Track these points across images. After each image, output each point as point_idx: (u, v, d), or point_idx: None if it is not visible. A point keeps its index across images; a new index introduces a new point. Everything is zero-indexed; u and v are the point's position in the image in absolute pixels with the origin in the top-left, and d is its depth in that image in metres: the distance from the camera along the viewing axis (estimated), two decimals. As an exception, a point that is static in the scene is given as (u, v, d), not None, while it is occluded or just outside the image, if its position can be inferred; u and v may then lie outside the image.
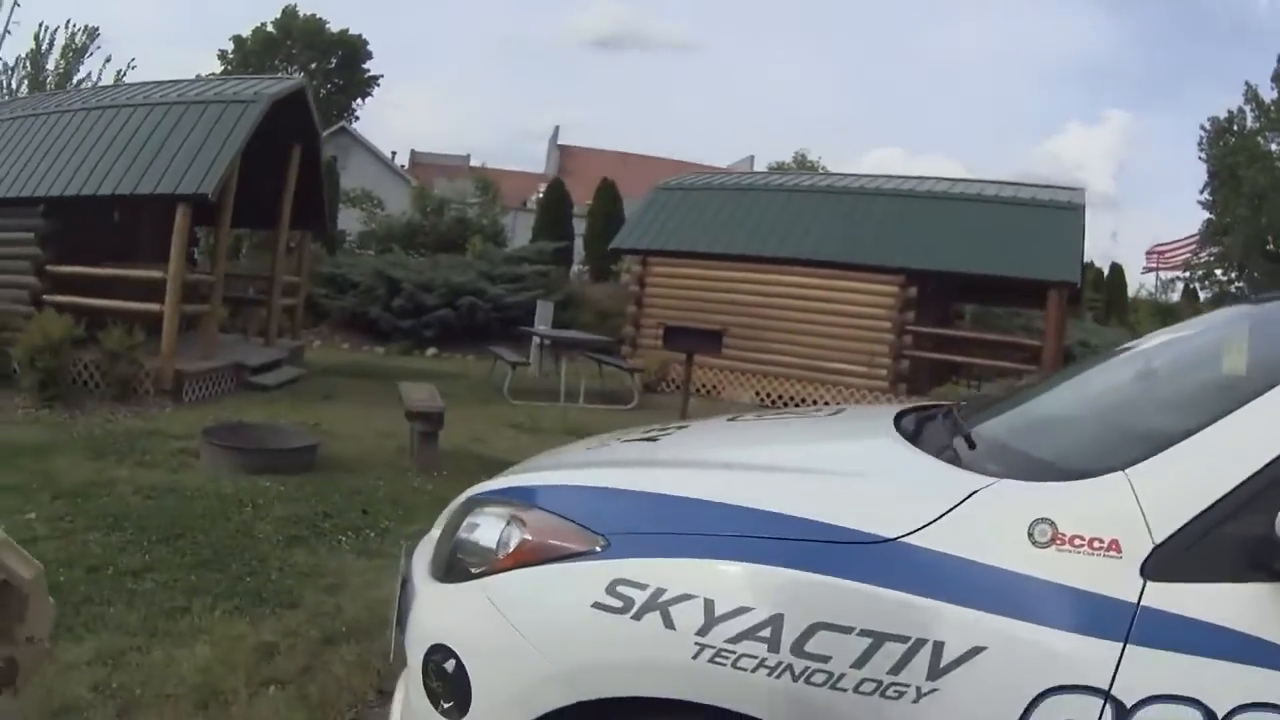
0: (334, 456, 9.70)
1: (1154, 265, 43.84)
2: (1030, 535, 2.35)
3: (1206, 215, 41.04)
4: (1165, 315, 34.22)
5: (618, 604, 2.54)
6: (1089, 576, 2.28)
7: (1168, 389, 3.39)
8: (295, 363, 16.81)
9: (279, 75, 25.84)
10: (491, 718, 2.74)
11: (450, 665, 2.80)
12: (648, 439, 3.76)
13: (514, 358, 16.22)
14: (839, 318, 17.76)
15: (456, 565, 3.03)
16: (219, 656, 4.92)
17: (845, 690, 2.31)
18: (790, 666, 2.35)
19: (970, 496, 2.48)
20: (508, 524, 2.91)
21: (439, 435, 9.65)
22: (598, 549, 2.67)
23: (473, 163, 60.15)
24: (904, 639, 2.30)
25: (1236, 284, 40.53)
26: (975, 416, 3.48)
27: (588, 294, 24.88)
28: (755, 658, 2.37)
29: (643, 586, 2.52)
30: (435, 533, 3.40)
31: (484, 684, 2.75)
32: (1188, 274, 43.92)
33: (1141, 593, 2.24)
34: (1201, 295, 41.55)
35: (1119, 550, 2.29)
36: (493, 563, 2.87)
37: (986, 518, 2.45)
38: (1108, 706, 2.18)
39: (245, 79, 17.00)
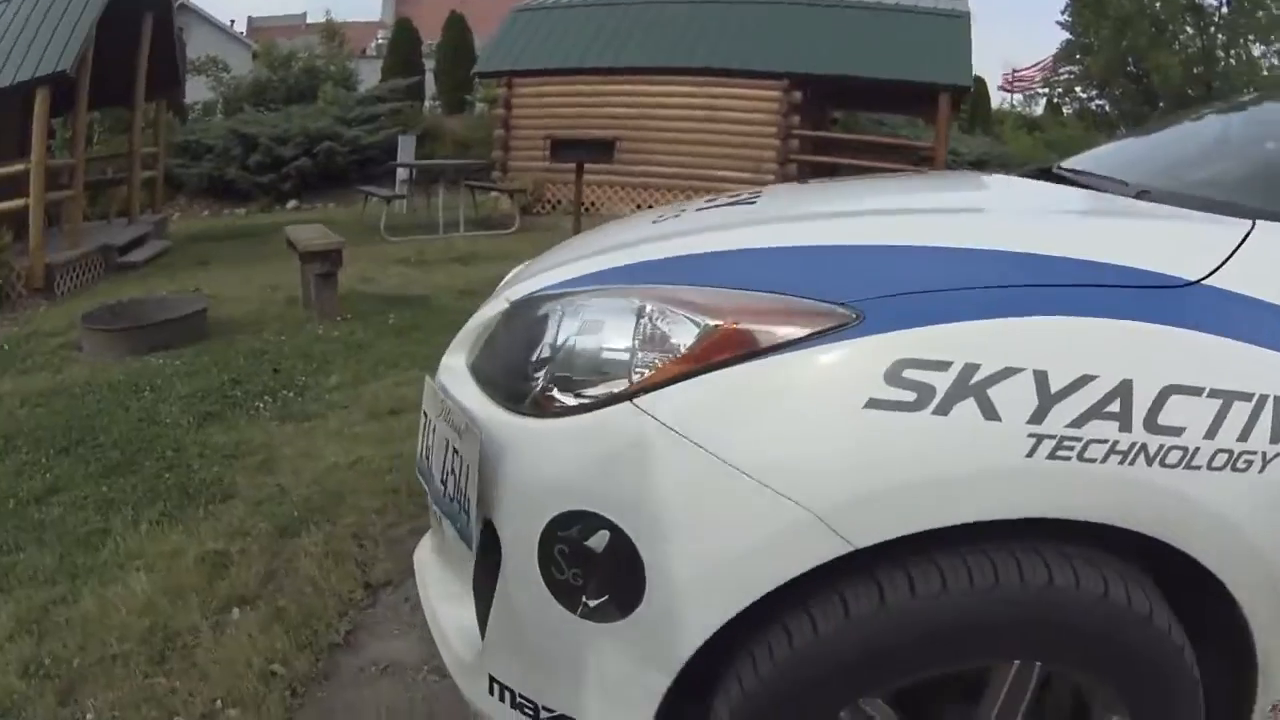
0: (225, 320, 8.73)
1: (1009, 88, 45.60)
2: None
3: (1066, 36, 41.71)
4: (1032, 127, 37.32)
5: (909, 396, 1.75)
6: None
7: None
8: (161, 235, 15.77)
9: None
10: (683, 608, 1.88)
11: (600, 541, 1.91)
12: (734, 204, 2.92)
13: (389, 192, 15.54)
14: (721, 125, 17.48)
15: (552, 390, 2.06)
16: (161, 585, 3.89)
17: (1199, 468, 1.77)
18: (1145, 447, 1.75)
19: (1248, 235, 1.98)
20: (641, 316, 2.00)
21: (338, 276, 8.74)
22: (850, 324, 1.83)
23: (309, 20, 58.20)
24: (1248, 396, 1.78)
25: (1098, 102, 41.87)
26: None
27: (445, 126, 24.05)
28: (1105, 442, 1.74)
29: (943, 365, 1.76)
30: (459, 360, 2.55)
31: (668, 558, 1.86)
32: (1047, 90, 45.37)
33: None
34: (1065, 110, 43.43)
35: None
36: (644, 374, 1.95)
37: (1270, 257, 1.96)
38: None
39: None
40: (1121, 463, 1.74)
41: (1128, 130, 35.73)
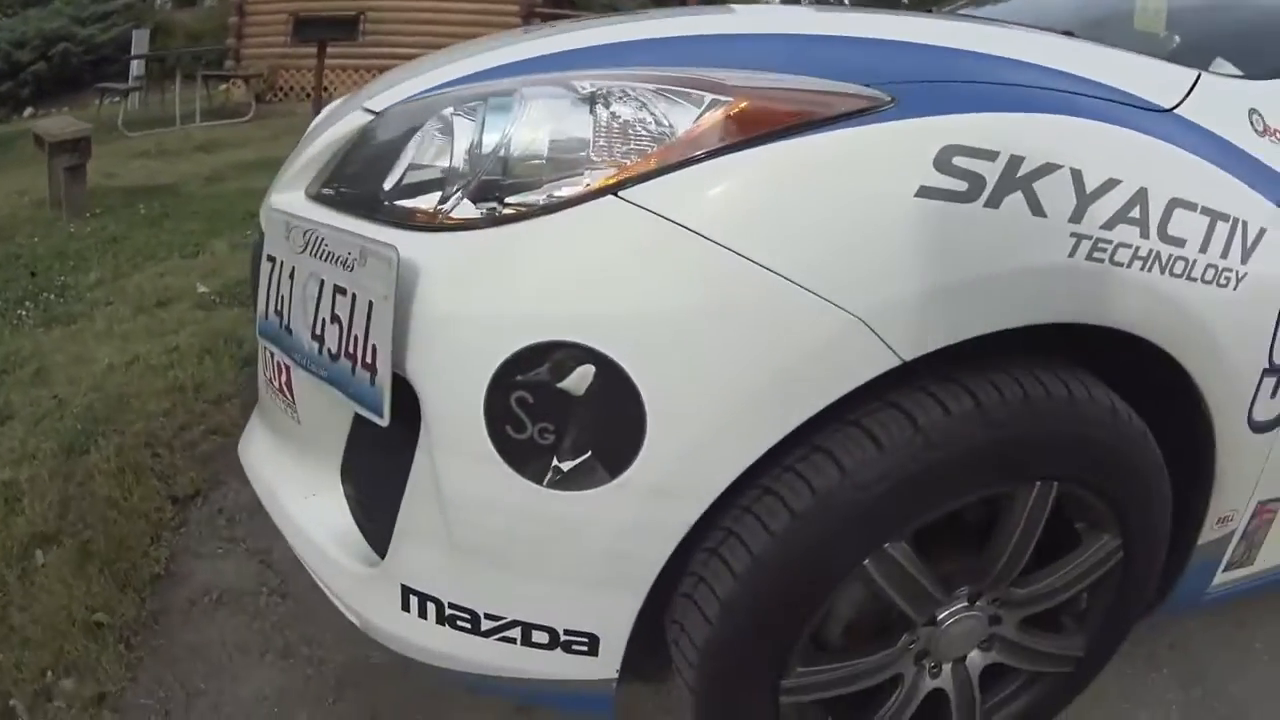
0: (-31, 231, 7.88)
1: None
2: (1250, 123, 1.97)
3: None
4: None
5: (961, 185, 1.53)
6: None
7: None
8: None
9: None
10: (701, 451, 1.53)
11: (581, 380, 1.48)
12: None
13: (123, 86, 14.70)
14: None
15: (485, 198, 1.60)
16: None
17: (1195, 280, 1.77)
18: (1159, 256, 1.71)
19: (1197, 81, 1.97)
20: (597, 101, 1.60)
21: (86, 169, 8.03)
22: (885, 106, 1.56)
23: None
24: (1226, 218, 1.80)
25: None
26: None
27: (176, 20, 22.64)
28: (1130, 247, 1.67)
29: (991, 155, 1.54)
30: (295, 195, 2.01)
31: (678, 388, 1.49)
32: None
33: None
34: None
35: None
36: (627, 164, 1.54)
37: (1217, 102, 1.96)
38: None
39: None
40: (1142, 269, 1.69)
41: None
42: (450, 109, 1.74)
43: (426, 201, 1.68)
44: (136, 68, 16.10)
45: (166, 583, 2.93)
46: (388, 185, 1.76)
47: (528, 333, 1.49)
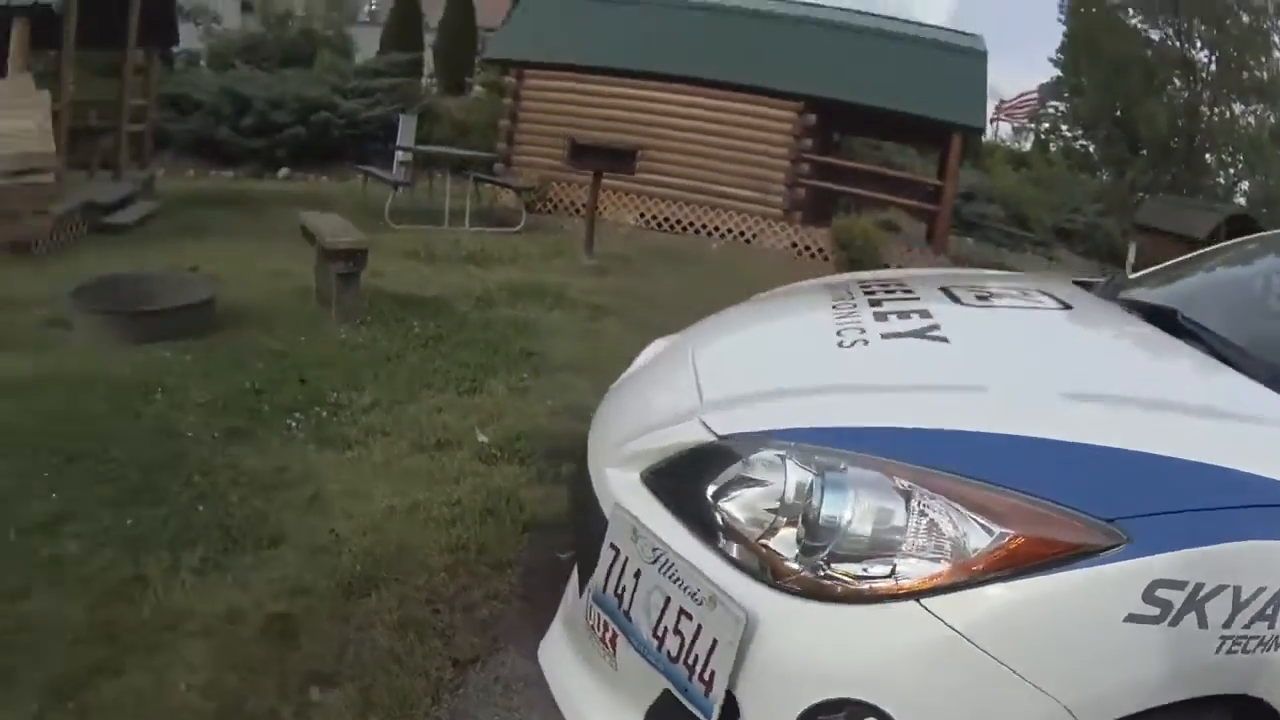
0: (232, 308, 8.07)
1: (998, 117, 45.79)
2: None
3: (1056, 73, 42.83)
4: (1019, 163, 38.84)
5: (1154, 611, 2.09)
6: None
7: None
8: (148, 196, 15.03)
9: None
10: None
11: None
12: (921, 336, 3.05)
13: (394, 178, 15.01)
14: (733, 141, 17.22)
15: (820, 568, 2.20)
16: (223, 656, 3.38)
17: None
18: (1277, 640, 2.16)
19: None
20: (910, 500, 2.18)
21: (360, 276, 8.13)
22: (1121, 544, 2.10)
23: None
24: None
25: (1082, 142, 43.41)
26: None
27: (443, 107, 23.52)
28: (1259, 638, 2.15)
29: (1181, 585, 2.09)
30: (630, 473, 2.64)
31: None
32: (1033, 126, 47.11)
33: None
34: (1051, 148, 45.08)
35: None
36: (928, 572, 2.14)
37: None
38: None
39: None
40: (1264, 652, 2.14)
41: (1109, 175, 38.83)
42: (792, 466, 2.30)
43: (760, 547, 2.26)
44: (401, 154, 16.48)
45: (447, 744, 3.04)
46: (721, 519, 2.33)
47: (835, 688, 2.09)
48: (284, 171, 20.39)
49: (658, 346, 3.60)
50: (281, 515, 4.56)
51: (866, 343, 2.94)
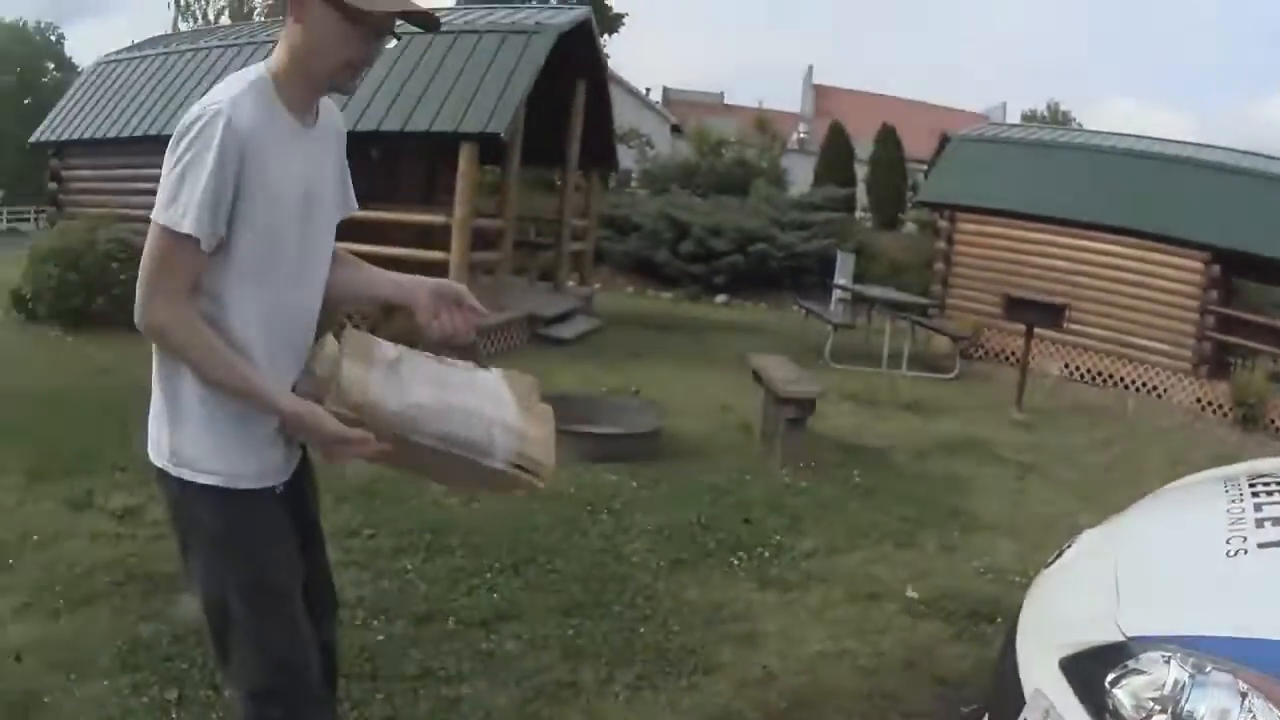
0: (675, 436, 8.36)
1: None
2: None
3: None
4: None
5: None
6: None
7: None
8: (588, 312, 15.84)
9: (556, 4, 24.68)
10: None
11: None
12: None
13: (836, 319, 15.17)
14: (1149, 292, 16.43)
15: None
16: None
17: None
18: None
19: None
20: (1244, 698, 2.39)
21: (807, 422, 8.15)
22: None
23: (726, 100, 60.93)
24: None
25: None
26: None
27: (878, 244, 23.66)
28: None
29: None
30: (1048, 658, 2.84)
31: None
32: None
33: None
34: None
35: None
36: None
37: None
38: None
39: (518, 7, 16.05)
40: None
41: None
42: (1174, 664, 2.50)
43: None
44: (840, 293, 16.66)
45: None
46: (1111, 703, 2.53)
47: None
48: (722, 297, 21.07)
49: (1085, 542, 3.77)
50: (718, 647, 4.64)
51: (1246, 551, 3.07)
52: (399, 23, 2.47)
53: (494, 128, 11.86)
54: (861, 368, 13.42)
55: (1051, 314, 13.42)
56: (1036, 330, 13.87)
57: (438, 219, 12.35)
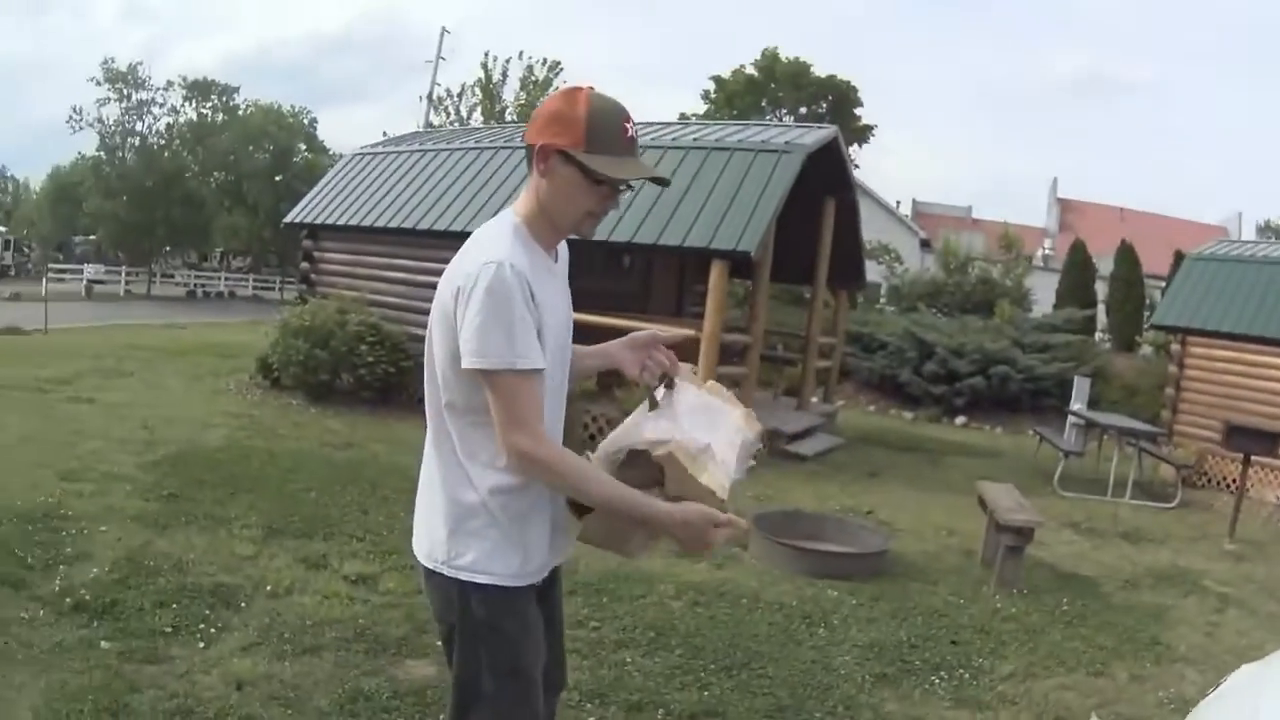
0: (899, 557, 8.75)
1: None
2: None
3: None
4: None
5: None
6: None
7: None
8: (830, 430, 16.18)
9: (808, 124, 25.17)
10: None
11: None
12: None
13: (1068, 446, 15.13)
14: None
15: None
16: None
17: None
18: None
19: None
20: None
21: (1026, 549, 8.41)
22: None
23: (974, 215, 60.93)
24: None
25: None
26: None
27: (1114, 367, 23.34)
28: None
29: None
30: None
31: None
32: None
33: None
34: None
35: None
36: None
37: None
38: None
39: (768, 125, 16.53)
40: None
41: None
42: None
43: None
44: (1074, 419, 16.67)
45: None
46: None
47: None
48: (961, 419, 21.22)
49: (1241, 675, 3.58)
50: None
51: None
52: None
53: (744, 246, 12.24)
54: (1088, 495, 13.43)
55: (1269, 441, 13.08)
56: (1264, 457, 13.67)
57: (687, 332, 12.71)
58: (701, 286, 13.11)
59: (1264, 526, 12.72)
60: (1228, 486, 15.43)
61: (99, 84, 50.89)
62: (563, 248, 2.97)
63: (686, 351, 12.41)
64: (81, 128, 51.79)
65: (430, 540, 2.83)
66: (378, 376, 13.63)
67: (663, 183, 3.09)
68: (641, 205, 12.93)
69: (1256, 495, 15.29)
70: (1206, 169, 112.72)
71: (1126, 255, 28.65)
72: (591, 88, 2.76)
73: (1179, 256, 19.92)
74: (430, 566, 2.82)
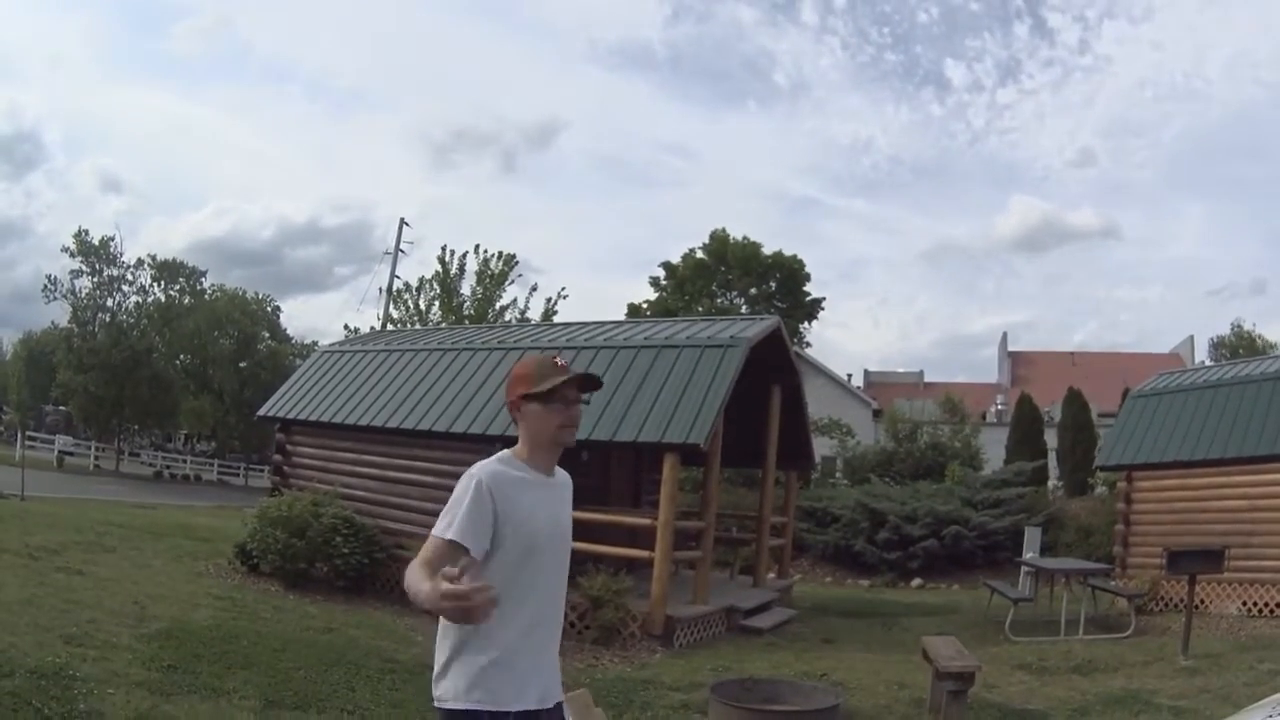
0: (856, 711, 9.12)
1: None
2: None
3: None
4: None
5: None
6: None
7: None
8: (785, 603, 16.52)
9: (751, 316, 26.02)
10: None
11: None
12: None
13: (1016, 594, 15.53)
14: None
15: None
16: None
17: None
18: None
19: None
20: None
21: (968, 693, 8.85)
22: None
23: (926, 379, 61.65)
24: None
25: None
26: None
27: (1068, 512, 23.74)
28: None
29: None
30: None
31: None
32: None
33: None
34: None
35: None
36: None
37: None
38: None
39: (713, 320, 17.13)
40: None
41: None
42: None
43: None
44: (1026, 569, 17.16)
45: None
46: None
47: None
48: (917, 581, 21.55)
49: None
50: None
51: None
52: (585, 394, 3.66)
53: (694, 439, 12.70)
54: (1040, 637, 13.76)
55: (1212, 560, 13.62)
56: (1209, 575, 14.12)
57: (644, 521, 13.31)
58: (657, 476, 13.50)
59: (1222, 639, 13.00)
60: (1178, 606, 15.57)
61: (72, 255, 51.99)
62: (563, 474, 3.81)
63: (645, 536, 13.05)
64: (55, 298, 52.93)
65: (433, 682, 3.49)
66: (352, 567, 13.98)
67: (595, 381, 3.76)
68: (597, 403, 13.37)
69: (1216, 610, 15.62)
70: (1158, 299, 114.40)
71: (1074, 400, 29.42)
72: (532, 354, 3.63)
73: (1125, 394, 20.49)
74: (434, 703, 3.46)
